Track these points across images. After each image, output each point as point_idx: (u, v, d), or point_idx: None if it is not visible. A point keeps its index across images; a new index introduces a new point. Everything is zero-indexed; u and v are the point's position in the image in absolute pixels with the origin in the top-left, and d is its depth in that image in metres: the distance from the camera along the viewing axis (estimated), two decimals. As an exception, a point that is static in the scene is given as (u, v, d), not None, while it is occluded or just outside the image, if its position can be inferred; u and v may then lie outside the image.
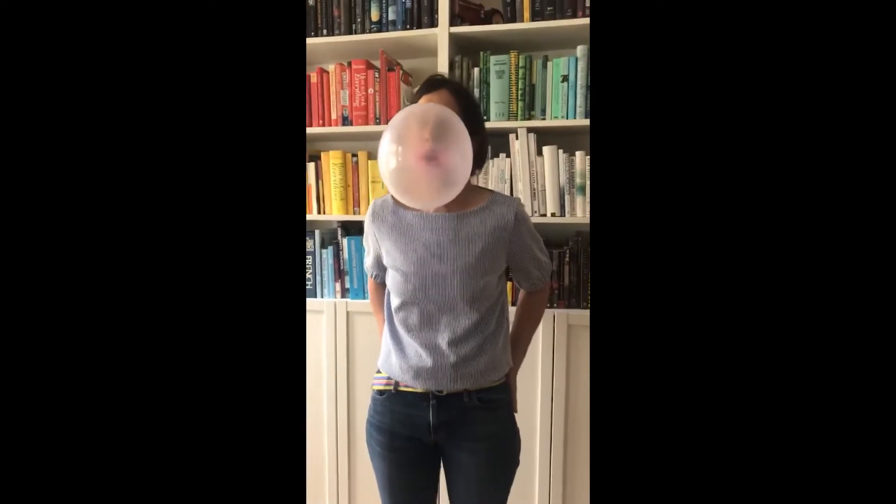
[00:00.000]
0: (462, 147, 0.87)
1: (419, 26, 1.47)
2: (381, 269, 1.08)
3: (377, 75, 1.51)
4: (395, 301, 1.00)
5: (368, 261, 1.11)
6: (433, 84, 0.96)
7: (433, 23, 1.46)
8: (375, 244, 1.05)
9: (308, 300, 1.59)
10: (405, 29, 1.48)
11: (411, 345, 0.99)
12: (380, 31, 1.49)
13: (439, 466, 1.05)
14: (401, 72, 1.51)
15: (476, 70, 1.46)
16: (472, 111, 0.98)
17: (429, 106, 0.90)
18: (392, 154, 0.87)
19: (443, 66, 1.44)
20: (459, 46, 1.51)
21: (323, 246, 1.59)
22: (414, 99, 0.97)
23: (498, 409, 1.02)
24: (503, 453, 1.02)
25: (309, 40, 1.54)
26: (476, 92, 1.46)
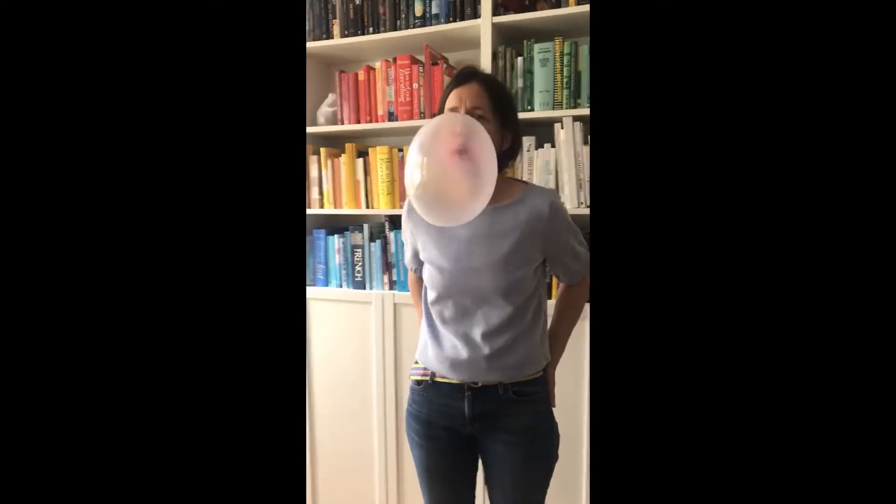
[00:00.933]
0: (490, 148, 0.86)
1: (462, 18, 1.47)
2: (419, 262, 1.10)
3: (421, 70, 1.53)
4: (430, 294, 1.02)
5: (407, 255, 1.13)
6: (463, 77, 0.95)
7: (476, 14, 1.45)
8: (412, 239, 1.07)
9: (356, 292, 1.64)
10: (448, 22, 1.48)
11: (447, 336, 1.00)
12: (423, 25, 1.50)
13: (477, 458, 1.06)
14: (444, 65, 1.52)
15: (520, 59, 1.44)
16: (503, 103, 0.96)
17: (454, 115, 0.90)
18: (418, 166, 0.85)
19: (486, 57, 1.43)
20: (503, 36, 1.49)
21: (371, 239, 1.63)
22: (445, 93, 0.97)
23: (534, 402, 1.01)
24: (540, 447, 1.01)
25: (355, 39, 1.58)
26: (520, 81, 1.44)
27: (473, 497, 1.09)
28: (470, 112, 0.92)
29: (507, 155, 1.01)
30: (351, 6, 1.58)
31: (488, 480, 1.04)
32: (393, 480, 1.64)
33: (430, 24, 1.50)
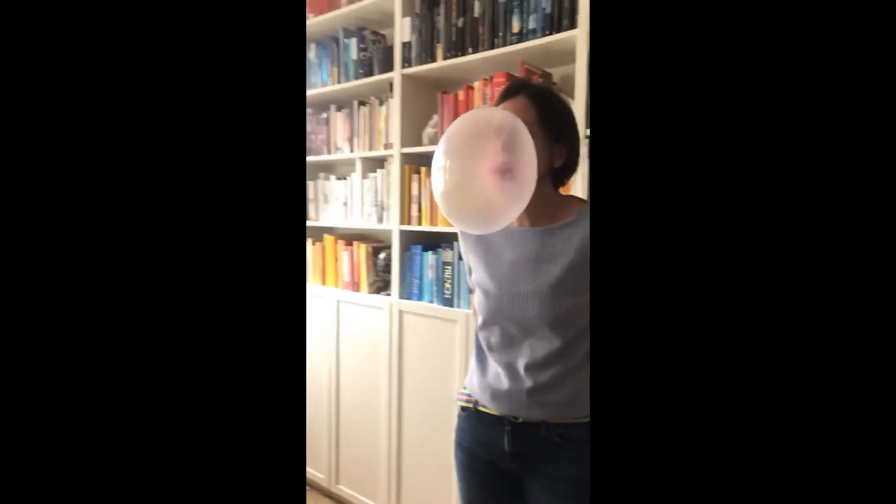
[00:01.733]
0: (533, 163, 0.79)
1: (559, 30, 1.40)
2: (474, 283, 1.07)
3: (516, 86, 1.49)
4: (479, 319, 0.98)
5: (466, 274, 1.10)
6: (510, 91, 0.90)
7: (573, 25, 1.37)
8: (467, 259, 1.04)
9: (444, 308, 1.65)
10: (544, 35, 1.43)
11: (492, 365, 0.95)
12: (520, 41, 1.47)
13: (522, 497, 0.97)
14: (538, 79, 1.46)
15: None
16: (554, 116, 0.89)
17: (491, 111, 0.83)
18: (444, 170, 0.80)
19: (581, 70, 1.34)
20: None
21: (460, 258, 1.63)
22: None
23: (582, 449, 0.89)
24: (584, 499, 0.89)
25: (456, 60, 1.61)
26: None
27: None
28: None
29: (563, 172, 0.93)
30: (454, 28, 1.62)
31: None
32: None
33: (527, 40, 1.46)
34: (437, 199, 0.83)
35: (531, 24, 1.46)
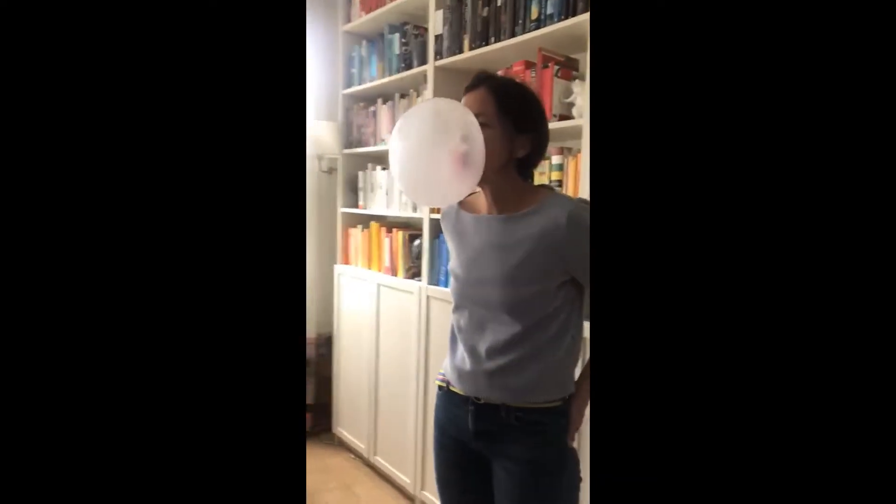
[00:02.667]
0: (481, 151, 0.84)
1: (576, 14, 1.37)
2: None
3: (533, 74, 1.48)
4: (452, 301, 1.02)
5: None
6: (473, 82, 0.92)
7: (588, 8, 1.33)
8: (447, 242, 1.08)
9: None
10: (561, 20, 1.40)
11: (459, 347, 0.99)
12: (538, 27, 1.46)
13: (488, 474, 1.01)
14: (555, 66, 1.44)
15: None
16: (515, 108, 0.89)
17: (445, 102, 0.88)
18: (413, 157, 0.86)
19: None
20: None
21: (482, 245, 1.66)
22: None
23: (542, 434, 0.91)
24: (543, 485, 0.90)
25: (479, 50, 1.63)
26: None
27: None
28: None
29: (525, 163, 0.93)
30: (479, 18, 1.64)
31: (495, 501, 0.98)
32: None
33: (545, 26, 1.44)
34: (398, 174, 0.89)
35: (549, 10, 1.43)
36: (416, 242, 1.99)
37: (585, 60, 1.49)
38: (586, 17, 1.33)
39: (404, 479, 1.97)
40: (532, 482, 0.90)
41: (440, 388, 1.06)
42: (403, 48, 2.02)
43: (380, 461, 2.12)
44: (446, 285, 1.79)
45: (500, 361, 0.91)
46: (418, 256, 1.97)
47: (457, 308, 0.99)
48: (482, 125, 0.88)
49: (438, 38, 1.80)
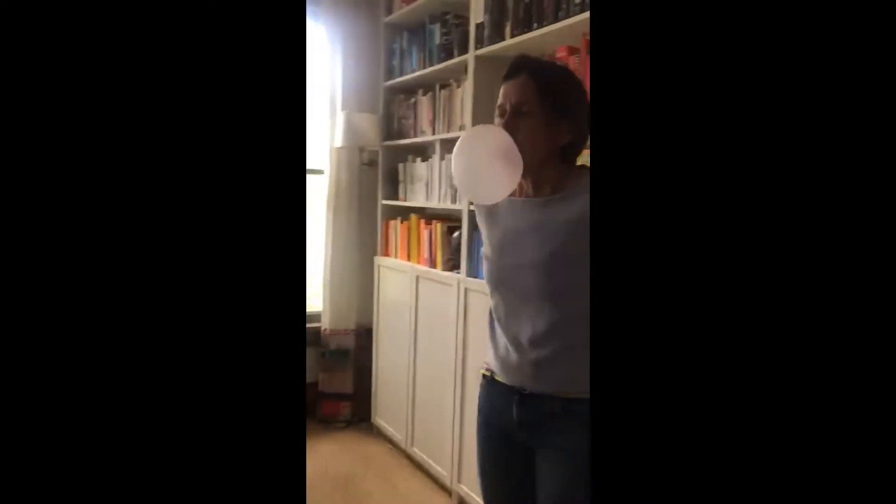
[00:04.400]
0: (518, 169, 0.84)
1: (623, -4, 1.31)
2: None
3: (577, 59, 1.43)
4: (487, 287, 1.00)
5: None
6: (511, 69, 0.89)
7: (636, -12, 1.27)
8: (481, 230, 1.06)
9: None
10: (607, 3, 1.34)
11: (501, 337, 0.98)
12: (582, 11, 1.40)
13: (530, 465, 0.99)
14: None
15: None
16: (557, 93, 0.86)
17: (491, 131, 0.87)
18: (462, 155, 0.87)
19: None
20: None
21: (522, 237, 1.63)
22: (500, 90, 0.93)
23: (587, 424, 0.88)
24: (586, 474, 0.88)
25: (521, 37, 1.59)
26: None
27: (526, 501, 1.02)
28: (516, 108, 0.87)
29: (568, 150, 0.90)
30: (522, 5, 1.60)
31: (538, 496, 0.97)
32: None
33: (587, 10, 1.38)
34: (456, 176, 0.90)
35: (594, -8, 1.38)
36: (455, 234, 1.98)
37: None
38: (634, -2, 1.27)
39: (441, 470, 1.97)
40: (577, 471, 0.88)
41: (484, 376, 1.04)
42: (444, 38, 2.00)
43: (416, 452, 2.13)
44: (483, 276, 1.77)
45: (544, 352, 0.89)
46: (457, 248, 1.96)
47: (492, 294, 0.98)
48: (524, 114, 0.86)
49: (479, 26, 1.77)
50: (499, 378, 0.98)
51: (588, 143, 0.93)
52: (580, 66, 1.42)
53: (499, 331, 0.97)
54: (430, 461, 2.04)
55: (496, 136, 0.83)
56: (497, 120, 0.90)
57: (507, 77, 0.90)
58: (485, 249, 1.00)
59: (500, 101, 0.90)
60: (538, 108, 0.85)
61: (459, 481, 1.88)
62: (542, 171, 0.89)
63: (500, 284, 0.95)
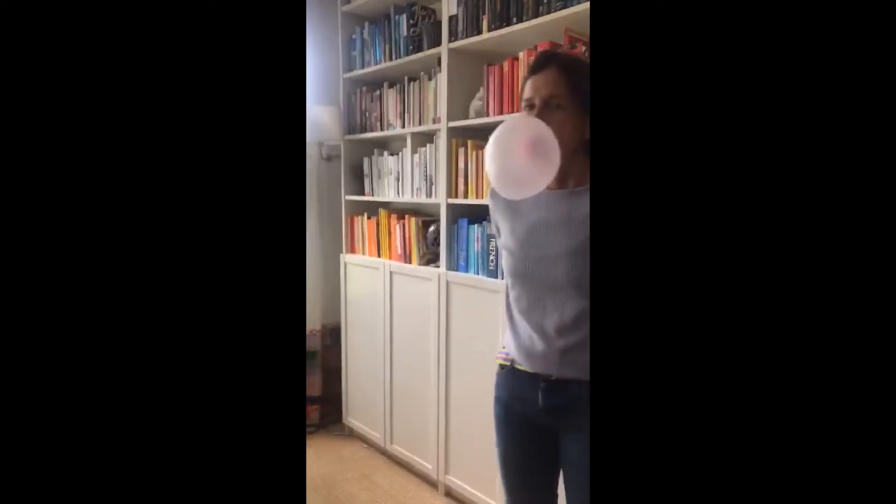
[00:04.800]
0: (556, 154, 0.84)
1: (605, -6, 1.36)
2: None
3: (560, 55, 1.47)
4: (508, 280, 1.01)
5: (498, 238, 1.13)
6: (539, 63, 0.90)
7: (619, -13, 1.32)
8: (496, 223, 1.07)
9: (489, 280, 1.68)
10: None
11: (523, 326, 0.99)
12: (564, 7, 1.44)
13: (556, 451, 1.01)
14: (584, 49, 1.43)
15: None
16: (586, 87, 0.88)
17: (526, 119, 0.88)
18: (493, 154, 0.87)
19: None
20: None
21: (506, 229, 1.66)
22: (522, 81, 0.94)
23: None
24: None
25: (500, 31, 1.61)
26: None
27: (552, 489, 1.05)
28: (546, 101, 0.88)
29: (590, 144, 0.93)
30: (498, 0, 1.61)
31: (565, 479, 1.00)
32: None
33: (571, 5, 1.43)
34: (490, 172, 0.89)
35: (576, -10, 1.42)
36: (432, 228, 1.97)
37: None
38: (617, -4, 1.32)
39: (426, 465, 1.97)
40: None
41: (502, 366, 1.05)
42: (412, 30, 1.97)
43: (398, 449, 2.11)
44: (466, 270, 1.78)
45: (571, 339, 0.92)
46: (434, 242, 1.95)
47: (513, 286, 0.99)
48: (556, 107, 0.87)
49: (453, 18, 1.76)
50: (520, 367, 1.00)
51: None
52: (563, 62, 1.46)
53: (521, 321, 0.99)
54: (415, 457, 2.03)
55: (535, 126, 0.83)
56: (525, 112, 0.91)
57: (535, 70, 0.91)
58: (504, 242, 1.01)
59: (527, 94, 0.91)
60: (568, 101, 0.87)
61: (447, 473, 1.89)
62: (569, 163, 0.92)
63: (524, 276, 0.96)
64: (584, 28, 1.50)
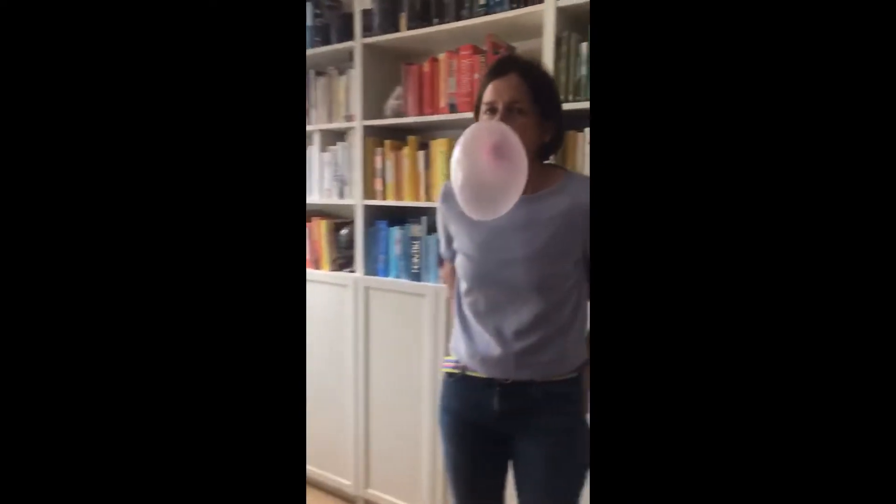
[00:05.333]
0: (521, 150, 0.82)
1: (526, 4, 1.40)
2: (452, 252, 1.08)
3: (483, 60, 1.49)
4: (463, 285, 0.99)
5: (442, 244, 1.11)
6: (500, 68, 0.90)
7: (541, -1, 1.38)
8: (446, 227, 1.05)
9: (412, 283, 1.65)
10: (512, 8, 1.42)
11: (479, 331, 0.97)
12: (487, 13, 1.46)
13: (507, 457, 1.02)
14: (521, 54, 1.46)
15: (584, 45, 1.35)
16: (545, 93, 0.90)
17: (490, 123, 0.86)
18: (458, 163, 0.83)
19: (548, 45, 1.36)
20: (567, 22, 1.40)
21: (429, 232, 1.63)
22: (482, 85, 0.93)
23: (567, 402, 0.95)
24: (570, 450, 0.95)
25: (421, 31, 1.58)
26: (583, 69, 1.35)
27: (501, 493, 1.05)
28: (508, 106, 0.87)
29: (550, 147, 0.95)
30: (418, -2, 1.58)
31: (518, 481, 1.00)
32: (440, 469, 1.64)
33: (494, 12, 1.45)
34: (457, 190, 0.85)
35: (498, -4, 1.45)
36: (344, 231, 1.87)
37: (535, 49, 1.54)
38: (538, 7, 1.37)
39: (344, 482, 1.87)
40: (563, 449, 0.94)
41: (451, 374, 1.03)
42: (318, 20, 1.86)
43: (313, 470, 1.97)
44: (386, 274, 1.73)
45: (528, 341, 0.93)
46: (347, 246, 1.86)
47: (470, 291, 0.97)
48: (518, 112, 0.87)
49: (367, 13, 1.69)
50: (473, 373, 0.99)
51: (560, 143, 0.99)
52: (486, 67, 1.48)
53: (476, 326, 0.98)
54: (331, 475, 1.91)
55: (501, 130, 0.82)
56: (485, 117, 0.90)
57: (496, 75, 0.90)
58: (462, 248, 0.99)
59: (489, 98, 0.89)
60: (529, 107, 0.88)
61: (367, 487, 1.81)
62: (529, 169, 0.92)
63: (484, 280, 0.95)
64: (507, 35, 1.54)
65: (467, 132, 0.84)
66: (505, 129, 0.82)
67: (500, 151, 0.81)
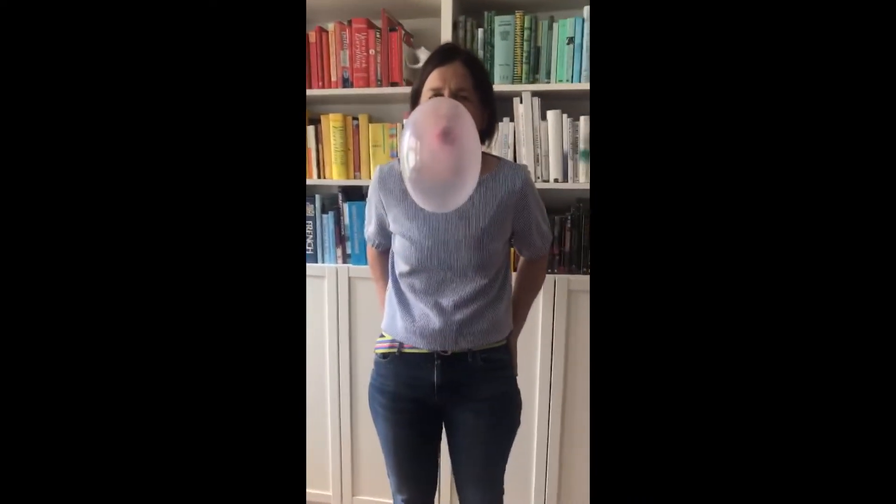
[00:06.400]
0: (474, 135, 0.84)
1: (421, -17, 1.42)
2: (384, 236, 1.08)
3: (378, 35, 1.47)
4: (402, 267, 1.00)
5: (371, 228, 1.10)
6: (446, 55, 0.93)
7: (437, -20, 1.41)
8: (381, 212, 1.04)
9: (309, 265, 1.59)
10: (407, -14, 1.43)
11: (418, 307, 1.00)
12: (381, -12, 1.44)
13: (441, 429, 1.07)
14: (402, 32, 1.47)
15: (480, 31, 1.42)
16: (484, 82, 0.96)
17: (440, 100, 0.88)
18: (412, 149, 0.83)
19: (446, 27, 1.40)
20: (463, 6, 1.46)
21: (324, 211, 1.58)
22: (424, 70, 0.94)
23: (500, 368, 1.04)
24: (505, 412, 1.04)
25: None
26: (479, 54, 1.42)
27: (437, 468, 1.11)
28: (455, 94, 0.91)
29: (485, 134, 1.01)
30: (302, -39, 1.48)
31: (454, 450, 1.06)
32: (347, 454, 1.63)
33: (388, -12, 1.44)
34: (408, 180, 0.85)
35: (392, -28, 1.43)
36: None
37: (428, 28, 1.56)
38: (435, -12, 1.40)
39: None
40: (499, 414, 1.03)
41: (385, 355, 1.04)
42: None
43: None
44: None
45: (467, 312, 0.98)
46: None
47: (413, 272, 0.99)
48: (463, 98, 0.90)
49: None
50: (410, 350, 1.02)
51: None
52: (382, 43, 1.46)
53: (415, 301, 1.00)
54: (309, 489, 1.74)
55: (453, 108, 0.83)
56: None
57: (441, 62, 0.92)
58: (402, 231, 0.99)
59: (435, 84, 0.91)
60: (472, 94, 0.92)
61: (355, 495, 1.68)
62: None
63: (426, 262, 0.97)
64: (399, 13, 1.53)
65: (416, 113, 0.84)
66: (457, 105, 0.84)
67: (450, 136, 0.82)
